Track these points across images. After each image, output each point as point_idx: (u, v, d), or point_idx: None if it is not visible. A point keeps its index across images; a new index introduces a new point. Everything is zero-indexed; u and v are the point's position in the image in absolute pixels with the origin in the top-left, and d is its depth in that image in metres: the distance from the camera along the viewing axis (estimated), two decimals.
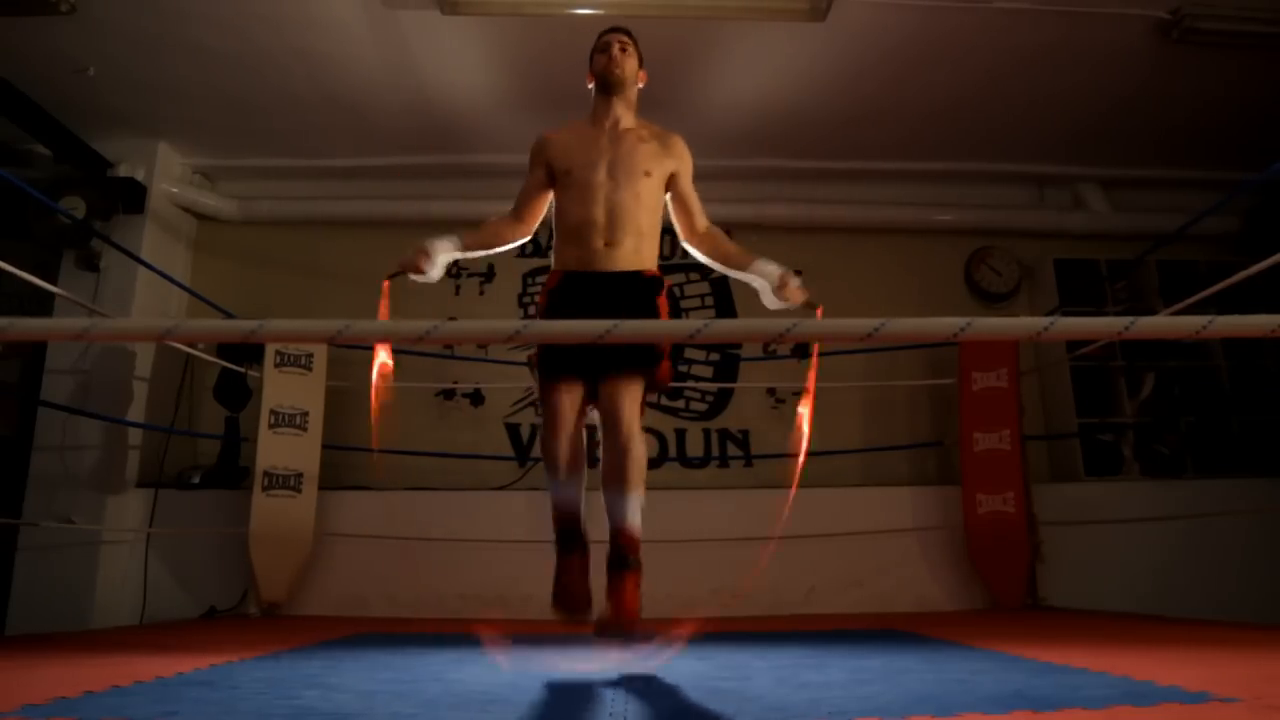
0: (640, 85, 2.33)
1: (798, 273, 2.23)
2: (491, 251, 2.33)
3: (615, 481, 2.00)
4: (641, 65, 2.32)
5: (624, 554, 1.97)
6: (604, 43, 2.30)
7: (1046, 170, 4.81)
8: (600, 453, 2.08)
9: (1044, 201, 4.94)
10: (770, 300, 2.16)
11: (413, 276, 2.15)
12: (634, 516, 1.99)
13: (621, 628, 1.90)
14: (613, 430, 2.01)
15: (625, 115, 2.28)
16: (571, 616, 1.98)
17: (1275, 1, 3.37)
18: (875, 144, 4.52)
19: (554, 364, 2.09)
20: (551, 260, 2.28)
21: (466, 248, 2.22)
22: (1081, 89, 3.99)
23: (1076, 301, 4.56)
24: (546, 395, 2.09)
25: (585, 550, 2.08)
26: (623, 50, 2.27)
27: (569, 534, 2.07)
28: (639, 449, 2.01)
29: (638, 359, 2.05)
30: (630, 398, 2.03)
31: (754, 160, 4.64)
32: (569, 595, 2.00)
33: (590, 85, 2.32)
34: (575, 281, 2.16)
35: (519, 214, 2.31)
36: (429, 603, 3.84)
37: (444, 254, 2.16)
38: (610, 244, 2.15)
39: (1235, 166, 4.48)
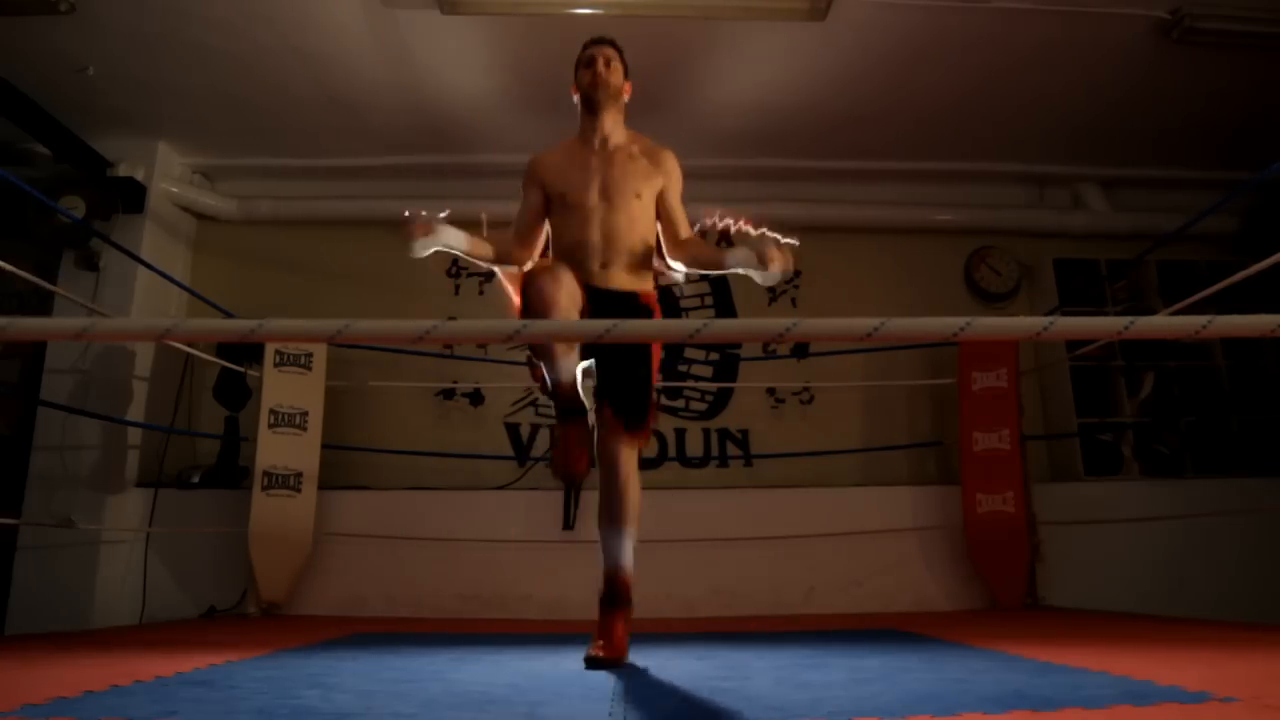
0: (626, 97, 2.28)
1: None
2: (494, 265, 2.30)
3: (611, 521, 2.10)
4: (627, 76, 2.27)
5: (617, 594, 2.09)
6: (587, 56, 2.25)
7: (1046, 170, 4.81)
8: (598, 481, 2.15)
9: (1044, 201, 4.94)
10: (764, 278, 2.05)
11: (407, 241, 2.04)
12: (627, 557, 2.10)
13: (609, 665, 1.99)
14: (610, 474, 2.10)
15: (614, 130, 2.25)
16: (569, 481, 2.04)
17: (1275, 1, 3.37)
18: (875, 144, 4.52)
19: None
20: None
21: (470, 249, 2.17)
22: (1081, 89, 3.99)
23: (1076, 301, 4.57)
24: (537, 286, 1.91)
25: (585, 417, 2.10)
26: (607, 65, 2.22)
27: (569, 406, 2.07)
28: (634, 492, 2.11)
29: (631, 415, 2.11)
30: (627, 446, 2.11)
31: (754, 160, 4.63)
32: (568, 462, 2.04)
33: (575, 99, 2.28)
34: None
35: (521, 238, 2.30)
36: (429, 603, 3.84)
37: (446, 238, 2.07)
38: (605, 265, 2.16)
39: (1235, 166, 4.48)
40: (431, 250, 2.07)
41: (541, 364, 2.05)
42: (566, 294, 1.92)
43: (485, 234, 2.26)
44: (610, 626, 2.06)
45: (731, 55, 3.74)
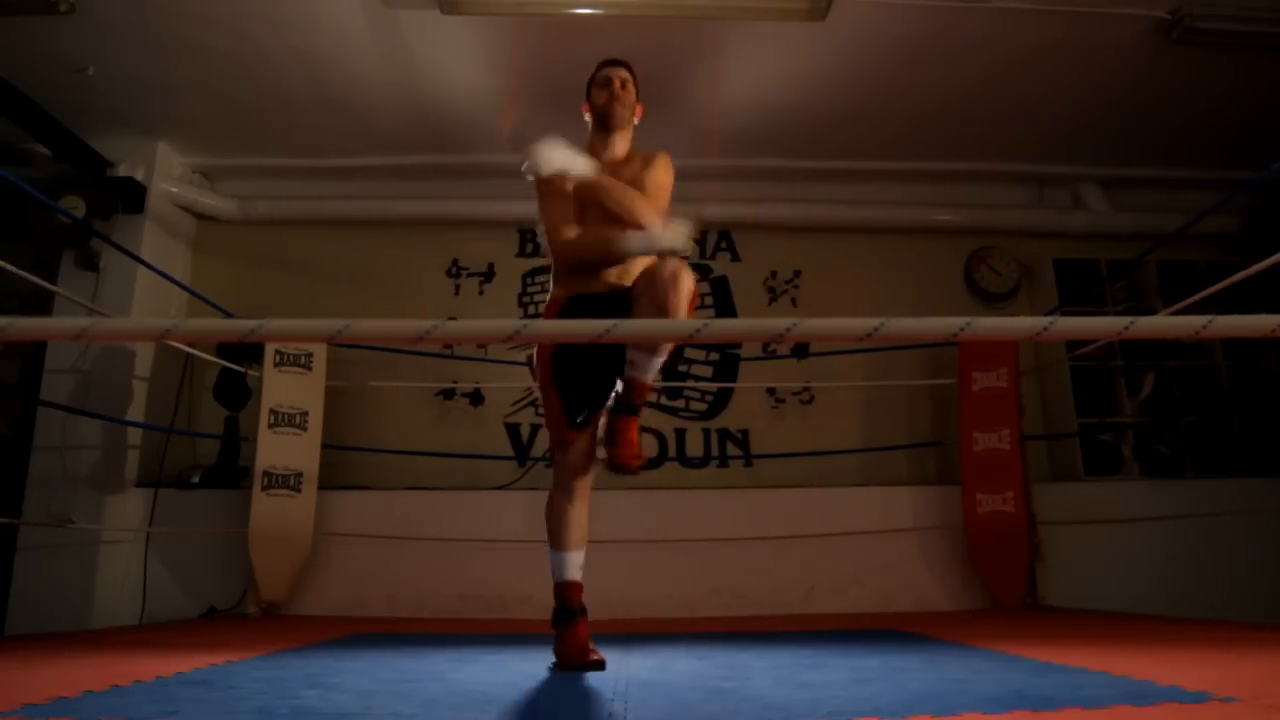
0: (637, 120, 2.32)
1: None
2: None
3: (648, 346, 1.95)
4: (638, 98, 2.32)
5: (633, 402, 2.00)
6: (604, 77, 2.28)
7: (1046, 170, 4.81)
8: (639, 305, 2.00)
9: (1044, 201, 4.94)
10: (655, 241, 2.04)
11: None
12: (652, 373, 2.02)
13: (631, 465, 1.96)
14: (661, 282, 1.91)
15: (622, 149, 2.29)
16: (587, 669, 2.00)
17: (1275, 1, 3.37)
18: (875, 144, 4.52)
19: (576, 405, 2.10)
20: (551, 286, 2.27)
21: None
22: (1081, 89, 3.99)
23: (1076, 301, 4.57)
24: (564, 446, 2.12)
25: (585, 615, 2.11)
26: (623, 86, 2.26)
27: (571, 610, 2.10)
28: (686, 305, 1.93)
29: None
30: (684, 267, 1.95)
31: (754, 160, 4.63)
32: (580, 659, 2.01)
33: (587, 117, 2.31)
34: (585, 302, 2.14)
35: (570, 225, 2.18)
36: (429, 603, 3.85)
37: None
38: (621, 273, 2.16)
39: (1235, 166, 4.48)
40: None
41: (549, 550, 2.15)
42: (586, 461, 2.13)
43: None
44: (623, 430, 1.96)
45: (732, 55, 3.74)
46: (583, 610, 2.11)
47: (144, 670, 1.86)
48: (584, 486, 2.15)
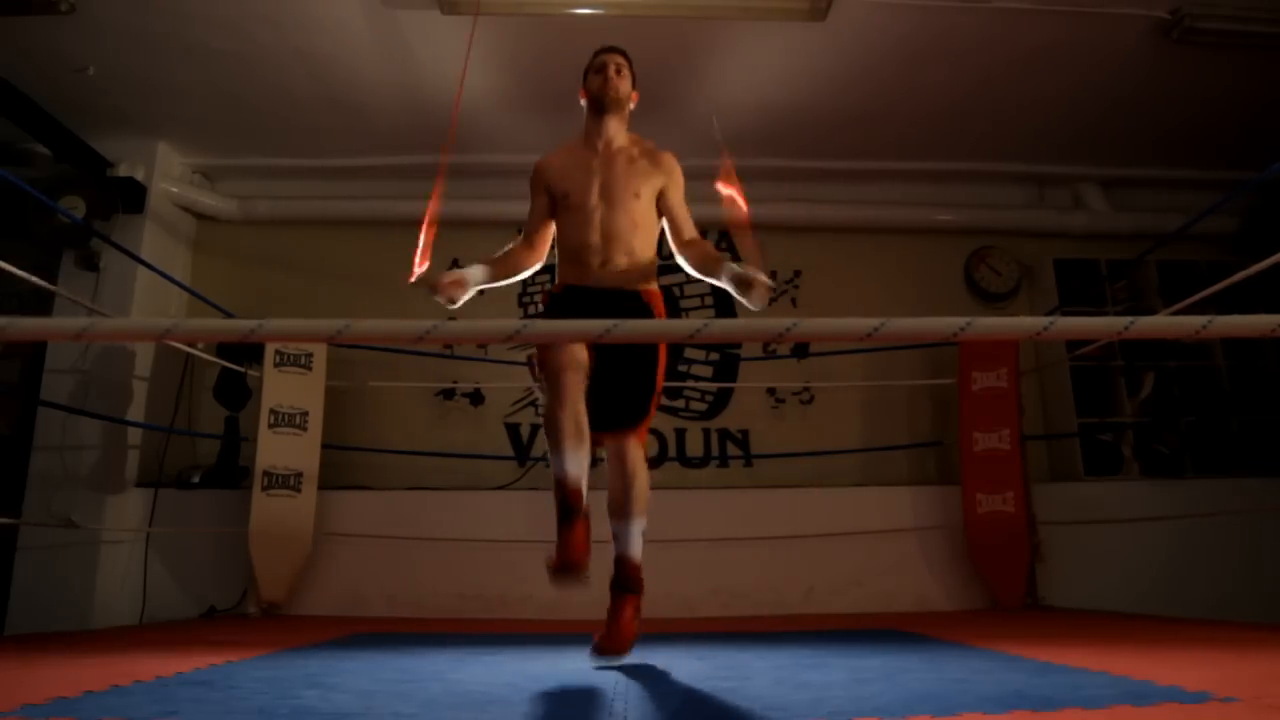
0: (632, 105, 2.35)
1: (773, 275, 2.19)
2: (514, 279, 2.37)
3: (620, 513, 2.15)
4: (634, 85, 2.35)
5: (626, 578, 2.14)
6: (599, 63, 2.31)
7: (1046, 170, 4.81)
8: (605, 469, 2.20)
9: (1044, 201, 4.94)
10: (747, 302, 2.05)
11: (438, 299, 2.19)
12: (636, 545, 2.15)
13: (616, 653, 2.03)
14: (617, 467, 2.15)
15: (618, 134, 2.31)
16: (568, 581, 1.98)
17: (1275, 1, 3.37)
18: (875, 144, 4.51)
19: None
20: (555, 275, 2.35)
21: (494, 278, 2.29)
22: (1082, 89, 3.99)
23: (1076, 301, 4.57)
24: (550, 364, 2.08)
25: (586, 516, 2.06)
26: (618, 72, 2.29)
27: (571, 508, 2.03)
28: (642, 482, 2.15)
29: (628, 416, 2.16)
30: (634, 439, 2.16)
31: (754, 160, 4.63)
32: (569, 562, 1.96)
33: (583, 102, 2.35)
34: (575, 292, 2.23)
35: (530, 241, 2.35)
36: (429, 603, 3.84)
37: (476, 285, 2.23)
38: (605, 264, 2.21)
39: (1235, 166, 4.48)
40: (469, 297, 2.21)
41: (549, 455, 2.10)
42: (573, 359, 2.07)
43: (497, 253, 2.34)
44: (618, 612, 2.10)
45: (732, 55, 3.73)
46: (578, 510, 2.01)
47: (144, 670, 1.86)
48: (572, 388, 2.05)
